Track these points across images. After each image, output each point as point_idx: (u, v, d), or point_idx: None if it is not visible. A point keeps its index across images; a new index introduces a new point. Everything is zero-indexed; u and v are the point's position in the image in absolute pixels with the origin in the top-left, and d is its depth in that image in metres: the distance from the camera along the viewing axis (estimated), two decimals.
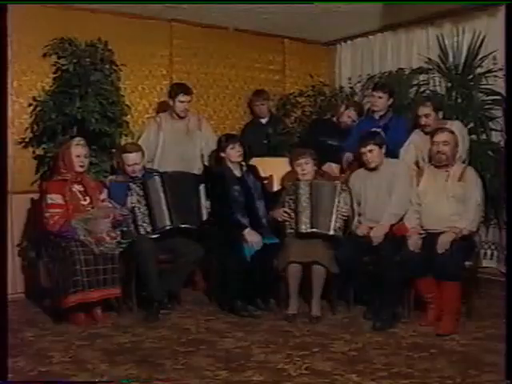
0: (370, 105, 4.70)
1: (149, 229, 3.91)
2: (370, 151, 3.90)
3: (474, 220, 3.68)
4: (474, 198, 3.68)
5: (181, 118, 4.52)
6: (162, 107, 4.91)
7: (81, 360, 3.08)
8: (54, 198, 3.70)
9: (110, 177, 4.17)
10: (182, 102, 4.46)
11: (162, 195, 3.94)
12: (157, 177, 3.99)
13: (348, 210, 3.86)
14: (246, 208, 4.10)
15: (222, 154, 4.19)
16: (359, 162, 4.08)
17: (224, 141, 4.22)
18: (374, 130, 4.28)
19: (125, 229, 3.78)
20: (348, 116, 4.80)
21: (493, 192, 4.17)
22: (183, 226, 3.96)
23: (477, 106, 4.61)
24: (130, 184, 3.92)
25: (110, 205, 3.83)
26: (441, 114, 4.16)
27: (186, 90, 4.49)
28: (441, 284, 3.56)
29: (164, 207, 3.93)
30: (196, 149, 4.57)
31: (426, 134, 4.08)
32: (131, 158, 4.04)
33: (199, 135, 4.59)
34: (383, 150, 3.94)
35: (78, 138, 3.90)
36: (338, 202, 3.85)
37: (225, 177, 4.13)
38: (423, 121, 4.11)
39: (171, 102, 4.50)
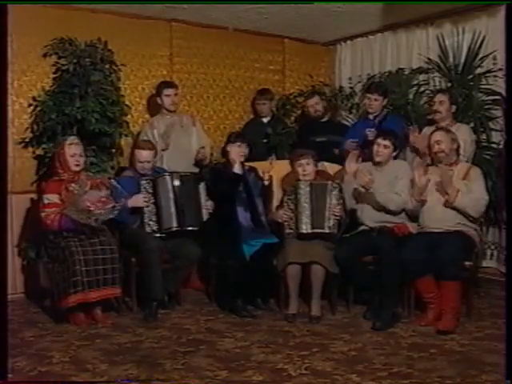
0: (366, 106, 4.70)
1: (155, 227, 3.93)
2: (385, 147, 3.92)
3: (477, 210, 3.68)
4: (478, 191, 3.69)
5: (171, 112, 4.62)
6: (153, 106, 4.92)
7: (81, 360, 3.08)
8: (51, 198, 3.68)
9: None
10: (168, 95, 4.59)
11: (171, 195, 3.95)
12: (168, 176, 3.99)
13: (340, 209, 3.85)
14: (248, 204, 4.12)
15: (228, 148, 4.21)
16: (363, 156, 4.11)
17: (233, 136, 4.27)
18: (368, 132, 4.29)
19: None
20: (310, 105, 4.98)
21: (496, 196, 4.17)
22: (189, 228, 3.98)
23: (477, 106, 4.61)
24: (141, 181, 3.93)
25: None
26: (454, 108, 4.20)
27: (170, 84, 4.67)
28: (441, 284, 3.57)
29: (172, 208, 3.94)
30: (192, 141, 4.64)
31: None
32: (144, 154, 4.10)
33: (194, 130, 4.70)
34: (394, 154, 3.97)
35: (71, 138, 3.87)
36: (330, 199, 3.84)
37: (227, 173, 4.13)
38: (436, 106, 4.18)
39: (159, 100, 4.62)
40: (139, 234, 3.92)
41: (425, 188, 3.74)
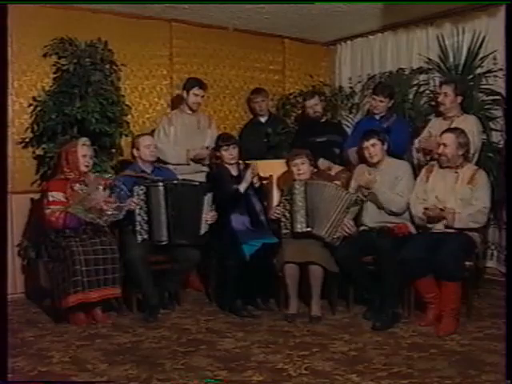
0: (371, 107, 4.71)
1: (146, 236, 3.86)
2: (373, 145, 3.93)
3: (478, 222, 3.66)
4: (481, 199, 3.66)
5: (193, 111, 4.61)
6: (176, 102, 4.95)
7: (81, 360, 3.08)
8: (55, 196, 3.69)
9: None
10: (196, 95, 4.58)
11: (163, 207, 3.86)
12: (161, 187, 3.88)
13: (352, 226, 3.83)
14: (245, 205, 4.12)
15: (217, 154, 4.24)
16: (360, 158, 4.12)
17: (220, 141, 4.27)
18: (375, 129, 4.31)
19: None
20: (309, 106, 4.97)
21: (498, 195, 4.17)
22: (179, 242, 3.91)
23: (477, 106, 4.60)
24: (134, 188, 3.87)
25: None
26: (459, 99, 4.18)
27: (202, 85, 4.63)
28: (441, 284, 3.56)
29: (163, 221, 3.86)
30: (205, 143, 4.59)
31: (445, 119, 4.18)
32: (148, 138, 4.13)
33: (209, 133, 4.66)
34: (385, 147, 3.97)
35: (84, 139, 3.89)
36: (347, 213, 3.81)
37: (223, 176, 4.15)
38: (441, 98, 4.18)
39: (185, 95, 4.60)
40: (125, 242, 3.87)
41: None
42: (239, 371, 2.92)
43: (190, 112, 4.62)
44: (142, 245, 3.84)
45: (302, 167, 4.01)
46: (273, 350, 3.23)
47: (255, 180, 4.18)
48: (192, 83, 4.60)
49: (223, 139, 4.28)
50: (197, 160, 4.53)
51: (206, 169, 4.57)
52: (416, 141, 4.25)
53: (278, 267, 3.84)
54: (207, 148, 4.54)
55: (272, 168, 4.47)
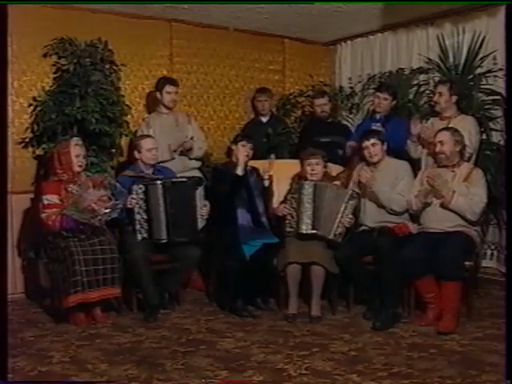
0: (374, 106, 4.70)
1: (145, 235, 3.87)
2: (373, 145, 3.93)
3: (474, 212, 3.66)
4: (478, 195, 3.66)
5: (169, 109, 4.59)
6: (151, 102, 4.93)
7: (81, 360, 3.08)
8: (50, 199, 3.67)
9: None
10: (169, 92, 4.57)
11: (162, 205, 3.88)
12: (159, 185, 3.90)
13: (352, 219, 3.84)
14: (248, 205, 4.13)
15: (233, 147, 4.24)
16: (360, 158, 4.12)
17: (240, 136, 4.33)
18: (374, 127, 4.32)
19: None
20: (318, 105, 4.97)
21: (495, 193, 4.16)
22: (179, 240, 3.91)
23: (477, 106, 4.60)
24: (133, 186, 3.87)
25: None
26: (454, 99, 4.16)
27: (172, 82, 4.63)
28: (441, 284, 3.57)
29: (162, 219, 3.87)
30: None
31: (442, 119, 4.17)
32: (150, 142, 4.10)
33: (189, 129, 4.66)
34: (384, 147, 3.97)
35: (76, 138, 3.87)
36: (345, 208, 3.82)
37: (229, 174, 4.15)
38: (436, 97, 4.18)
39: (159, 95, 4.58)
40: (126, 241, 3.87)
41: (432, 191, 3.72)
42: (239, 371, 2.92)
43: (166, 111, 4.59)
44: (144, 244, 3.84)
45: (317, 168, 4.01)
46: (273, 349, 3.23)
47: (266, 177, 4.20)
48: (163, 82, 4.60)
49: (244, 135, 4.34)
50: (182, 152, 4.49)
51: (195, 164, 4.59)
52: (413, 128, 4.16)
53: (280, 267, 3.84)
54: (192, 138, 4.53)
55: (273, 168, 4.46)
